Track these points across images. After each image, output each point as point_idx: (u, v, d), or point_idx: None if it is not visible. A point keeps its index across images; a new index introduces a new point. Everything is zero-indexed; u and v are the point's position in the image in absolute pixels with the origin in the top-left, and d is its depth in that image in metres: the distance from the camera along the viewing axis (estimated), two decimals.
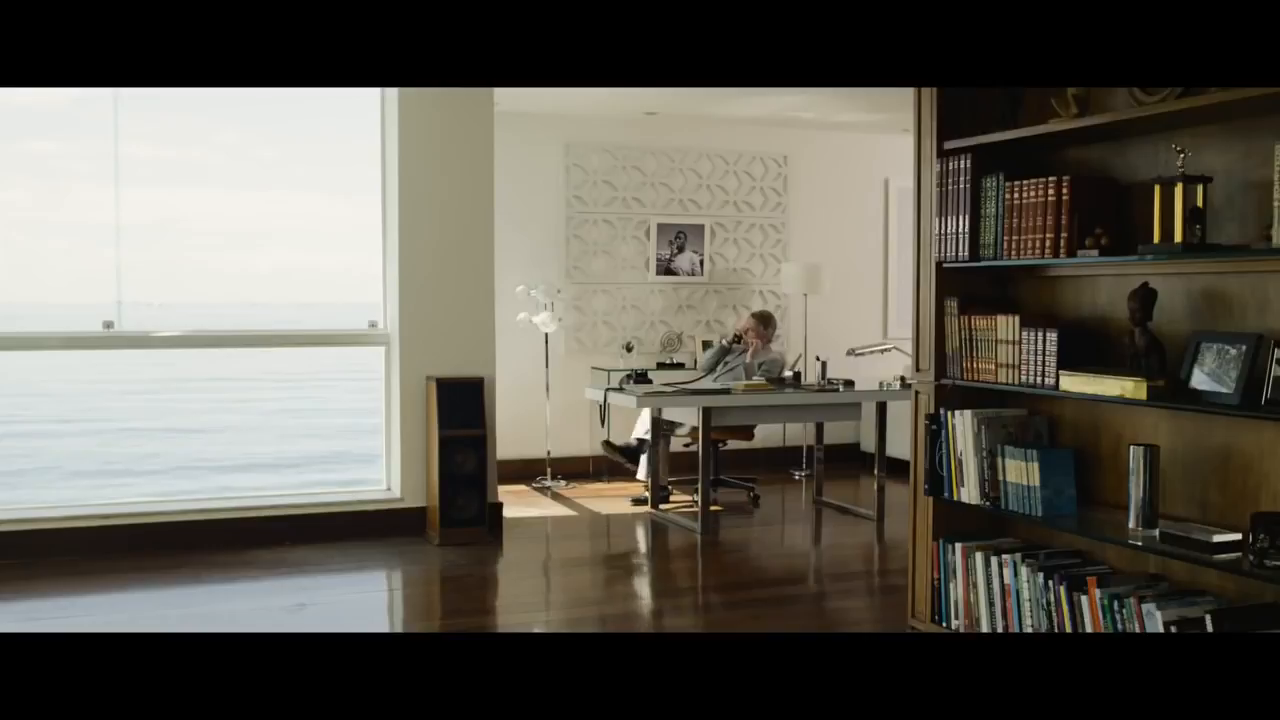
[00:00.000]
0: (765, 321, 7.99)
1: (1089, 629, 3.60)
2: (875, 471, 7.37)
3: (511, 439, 7.78)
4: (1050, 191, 3.79)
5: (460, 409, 6.52)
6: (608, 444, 7.90)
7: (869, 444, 8.33)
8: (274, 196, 7.37)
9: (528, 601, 5.68)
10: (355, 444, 8.01)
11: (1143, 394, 3.47)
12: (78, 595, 5.51)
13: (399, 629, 5.16)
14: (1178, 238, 3.42)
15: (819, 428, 7.87)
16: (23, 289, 7.27)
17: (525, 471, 8.30)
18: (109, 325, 6.46)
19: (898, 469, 6.90)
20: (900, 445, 7.04)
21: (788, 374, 7.58)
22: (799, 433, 8.93)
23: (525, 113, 8.17)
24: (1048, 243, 3.80)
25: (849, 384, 7.36)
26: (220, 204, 7.24)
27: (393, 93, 6.63)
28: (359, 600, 5.56)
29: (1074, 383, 3.70)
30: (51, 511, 6.33)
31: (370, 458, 7.08)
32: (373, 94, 6.75)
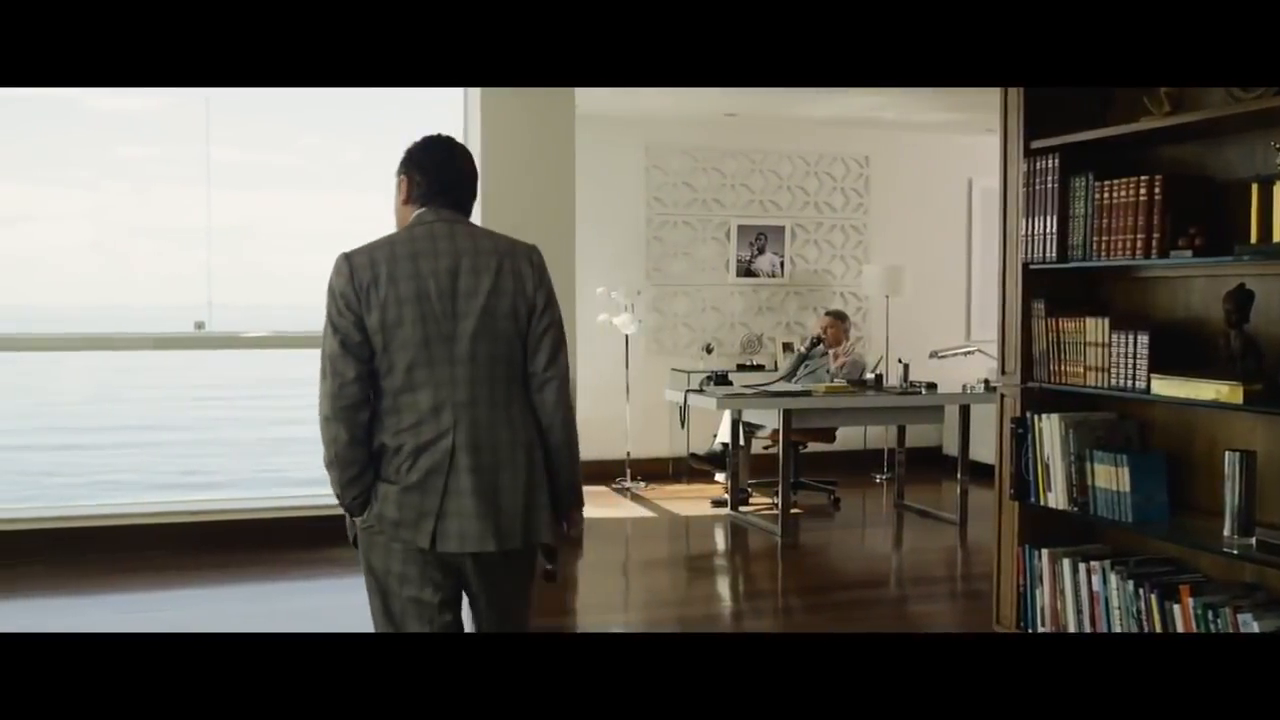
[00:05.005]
0: (840, 318, 7.96)
1: None
2: (958, 475, 7.27)
3: (591, 440, 7.73)
4: (1142, 191, 3.71)
5: None
6: (694, 456, 7.95)
7: (951, 447, 8.22)
8: (358, 199, 7.47)
9: (608, 602, 5.69)
10: None
11: (1239, 398, 3.38)
12: (166, 590, 5.63)
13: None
14: (1276, 237, 3.32)
15: (901, 430, 7.79)
16: (117, 291, 7.45)
17: (604, 472, 8.31)
18: (200, 325, 6.59)
19: (981, 473, 6.80)
20: (983, 449, 6.93)
21: (869, 376, 7.51)
22: (880, 435, 8.83)
23: (606, 115, 8.19)
24: (1139, 243, 3.72)
25: (931, 386, 7.28)
26: (305, 205, 7.37)
27: (475, 94, 6.67)
28: None
29: (1166, 386, 3.61)
30: (142, 509, 6.54)
31: None
32: (455, 95, 6.81)
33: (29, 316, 7.45)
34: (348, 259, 2.58)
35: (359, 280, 2.54)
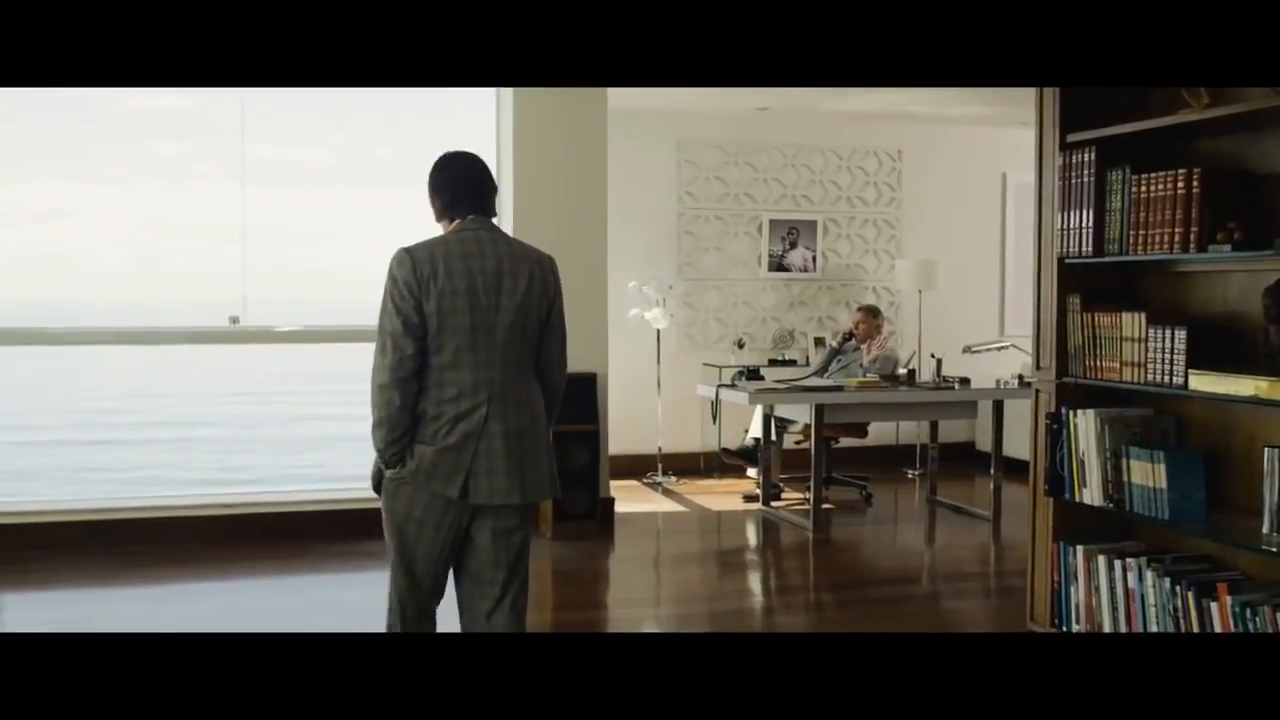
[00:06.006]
0: (873, 313, 7.93)
1: None
2: (991, 471, 7.22)
3: (623, 434, 7.77)
4: (1180, 184, 3.67)
5: (573, 404, 6.51)
6: (726, 451, 7.93)
7: (985, 443, 8.16)
8: (390, 195, 7.50)
9: (639, 596, 5.69)
10: None
11: (1278, 394, 3.34)
12: (201, 581, 5.68)
13: None
14: None
15: (934, 426, 7.74)
16: (152, 287, 7.50)
17: (636, 467, 8.31)
18: (234, 320, 6.62)
19: (1014, 469, 6.76)
20: (1016, 444, 6.89)
21: (902, 371, 7.48)
22: (913, 431, 8.79)
23: (637, 110, 8.17)
24: (1177, 237, 3.68)
25: (964, 382, 7.23)
26: (339, 201, 7.39)
27: (507, 92, 6.68)
28: None
29: (1204, 382, 3.57)
30: (177, 502, 6.60)
31: None
32: (488, 93, 6.82)
33: (66, 312, 7.52)
34: (409, 253, 3.06)
35: (420, 271, 3.02)
